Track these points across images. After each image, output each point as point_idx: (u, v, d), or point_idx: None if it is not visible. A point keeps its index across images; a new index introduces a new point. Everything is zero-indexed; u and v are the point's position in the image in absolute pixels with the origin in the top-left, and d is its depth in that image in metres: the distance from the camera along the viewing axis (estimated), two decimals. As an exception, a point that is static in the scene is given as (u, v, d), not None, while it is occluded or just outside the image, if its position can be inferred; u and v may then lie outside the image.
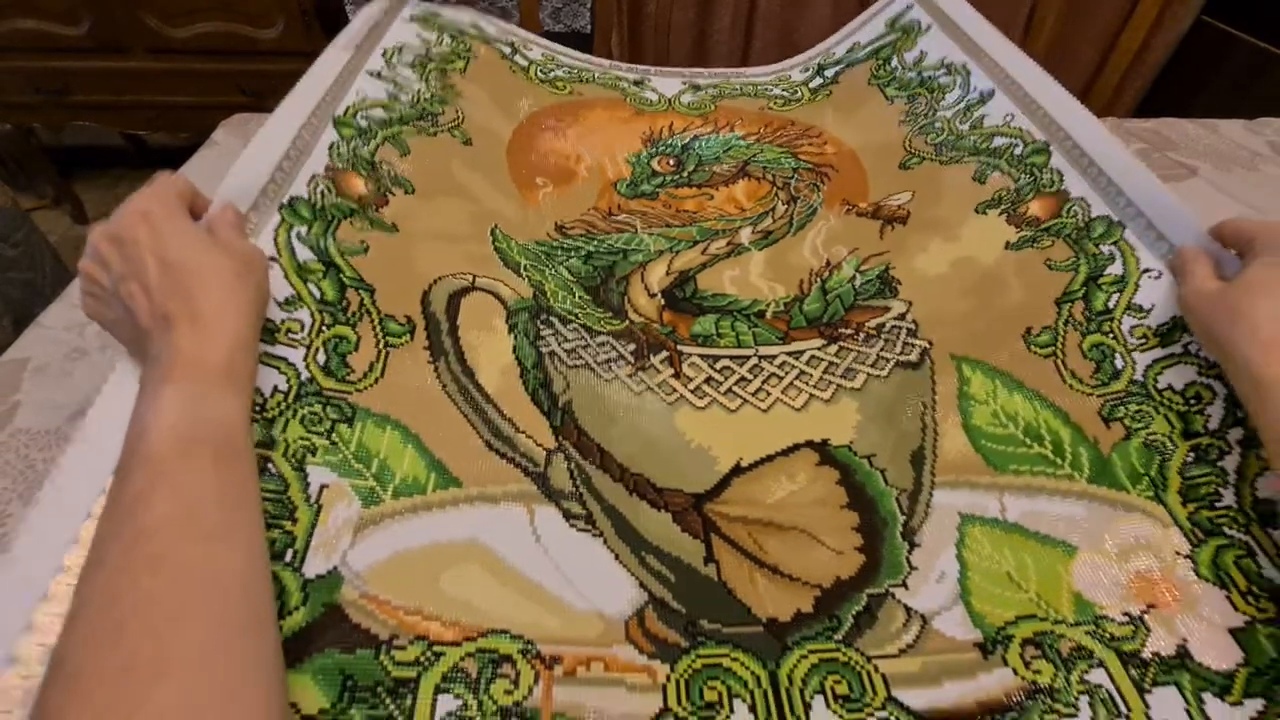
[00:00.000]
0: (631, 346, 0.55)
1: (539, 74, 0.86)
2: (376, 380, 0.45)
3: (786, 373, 0.54)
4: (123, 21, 1.59)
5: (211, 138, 0.86)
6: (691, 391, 0.52)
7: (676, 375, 0.53)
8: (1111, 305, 0.50)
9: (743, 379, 0.53)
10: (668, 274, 0.63)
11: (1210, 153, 0.91)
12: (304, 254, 0.48)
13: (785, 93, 0.90)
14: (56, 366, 0.55)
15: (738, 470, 0.47)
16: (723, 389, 0.53)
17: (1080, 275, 0.53)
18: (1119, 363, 0.48)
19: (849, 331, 0.57)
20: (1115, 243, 0.53)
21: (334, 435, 0.42)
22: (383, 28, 0.76)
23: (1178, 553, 0.41)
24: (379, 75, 0.67)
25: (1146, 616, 0.38)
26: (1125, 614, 0.38)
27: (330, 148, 0.56)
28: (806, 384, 0.53)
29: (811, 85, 0.90)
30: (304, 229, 0.49)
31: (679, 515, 0.44)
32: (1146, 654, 0.37)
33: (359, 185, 0.55)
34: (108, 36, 1.61)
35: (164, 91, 1.71)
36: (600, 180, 0.74)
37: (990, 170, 0.65)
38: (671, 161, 0.78)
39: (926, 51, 0.82)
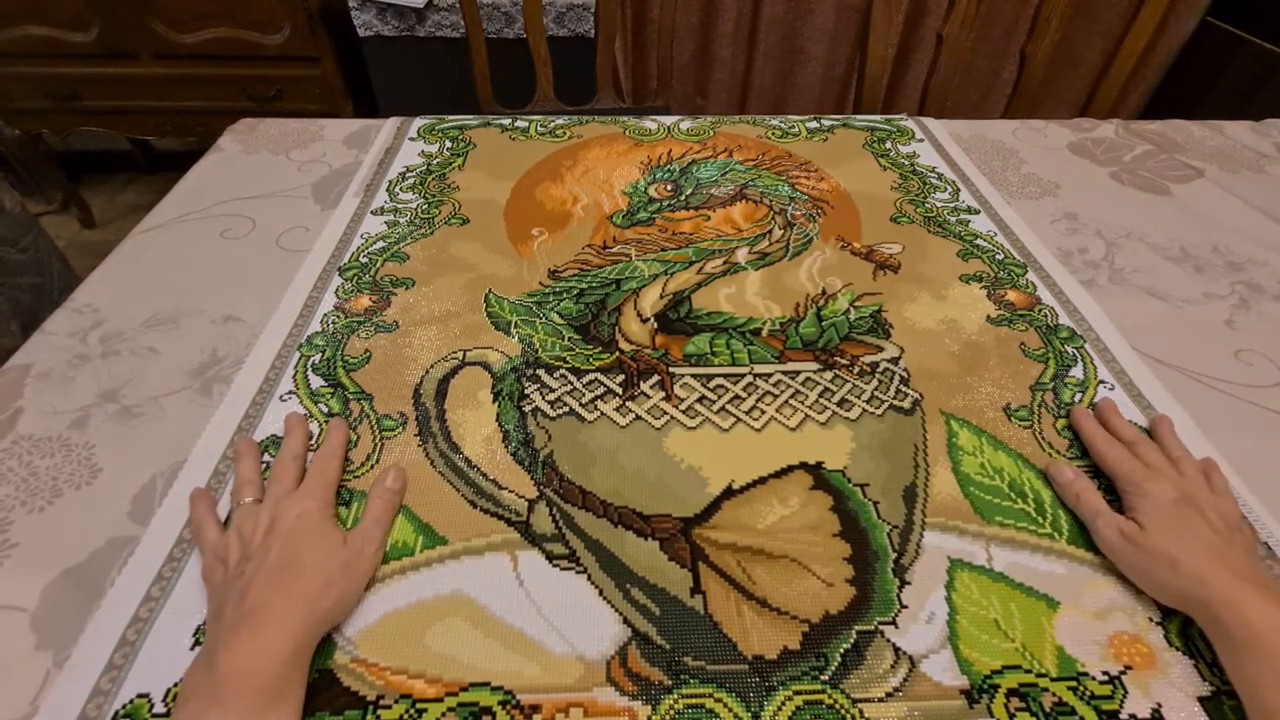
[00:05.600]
0: (620, 378, 0.56)
1: (538, 130, 0.92)
2: (371, 467, 0.49)
3: (782, 391, 0.55)
4: (130, 28, 1.60)
5: (218, 143, 0.87)
6: (683, 412, 0.53)
7: (667, 398, 0.54)
8: (1077, 400, 0.56)
9: (736, 397, 0.54)
10: (662, 296, 0.64)
11: (1217, 154, 0.91)
12: (316, 382, 0.55)
13: (783, 125, 0.93)
14: (59, 373, 0.55)
15: (729, 493, 0.47)
16: (715, 407, 0.53)
17: (1050, 369, 0.58)
18: None
19: (844, 362, 0.57)
20: (1079, 349, 0.60)
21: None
22: (390, 158, 0.85)
23: (1150, 619, 0.41)
24: (382, 210, 0.76)
25: (1124, 678, 0.39)
26: (1105, 673, 0.39)
27: (336, 290, 0.64)
28: (802, 404, 0.54)
29: (809, 126, 0.94)
30: (317, 357, 0.57)
31: (667, 542, 0.44)
32: (1124, 715, 0.37)
33: (364, 302, 0.64)
34: (115, 42, 1.62)
35: (171, 97, 1.73)
36: (596, 217, 0.75)
37: (972, 256, 0.71)
38: (669, 186, 0.80)
39: (919, 154, 0.89)
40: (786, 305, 0.63)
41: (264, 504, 0.43)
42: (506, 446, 0.50)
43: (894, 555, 0.44)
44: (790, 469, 0.49)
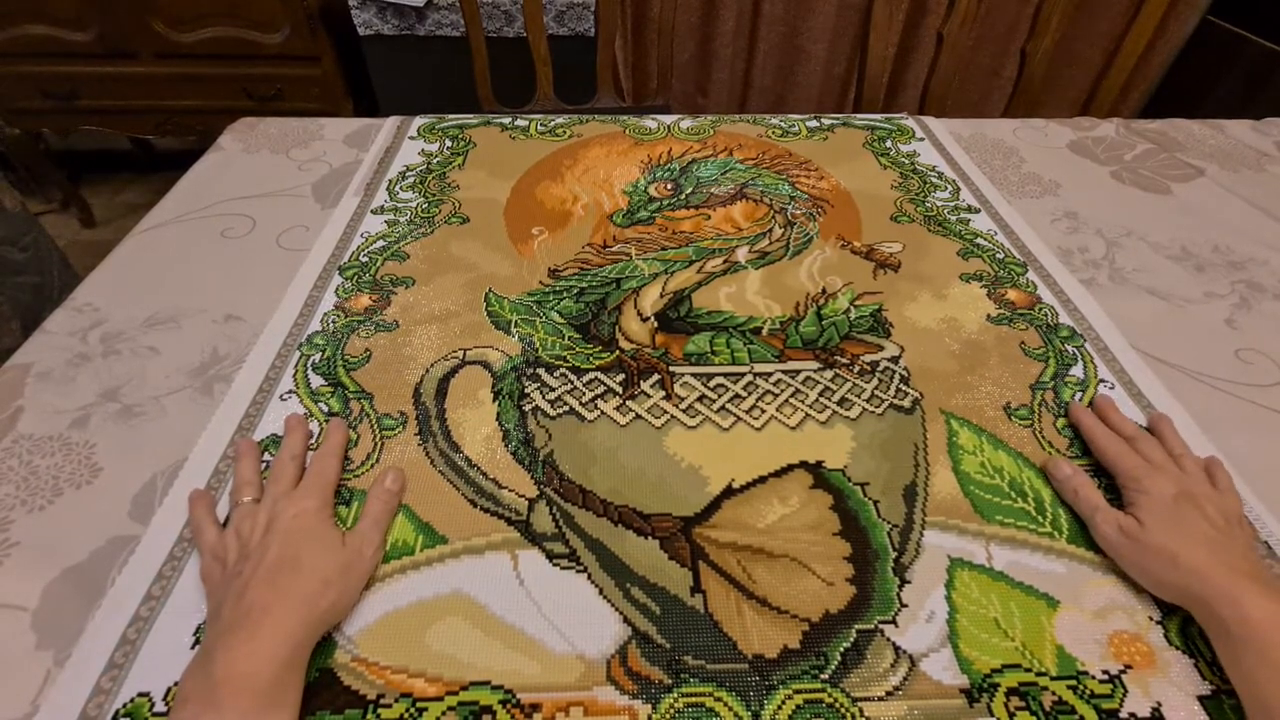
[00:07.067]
0: (620, 377, 0.56)
1: (539, 129, 0.92)
2: (372, 466, 0.49)
3: (782, 390, 0.55)
4: (130, 27, 1.60)
5: (217, 142, 0.87)
6: (683, 411, 0.53)
7: (668, 397, 0.54)
8: (1077, 399, 0.56)
9: (737, 396, 0.54)
10: (662, 295, 0.64)
11: (1217, 153, 0.91)
12: (316, 381, 0.55)
13: (783, 124, 0.94)
14: (60, 372, 0.55)
15: (729, 492, 0.47)
16: (715, 406, 0.53)
17: (1050, 368, 0.58)
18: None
19: (844, 361, 0.57)
20: (1079, 348, 0.60)
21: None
22: (390, 157, 0.85)
23: (1150, 618, 0.41)
24: (382, 209, 0.76)
25: (1124, 676, 0.39)
26: (1105, 672, 0.39)
27: (336, 290, 0.64)
28: (802, 403, 0.54)
29: (809, 125, 0.94)
30: (317, 356, 0.57)
31: (667, 541, 0.44)
32: (1124, 714, 0.37)
33: (364, 300, 0.64)
34: (115, 42, 1.62)
35: (171, 96, 1.73)
36: (596, 216, 0.75)
37: (973, 255, 0.71)
38: (669, 185, 0.80)
39: (919, 153, 0.89)
40: (787, 304, 0.63)
41: (262, 504, 0.43)
42: (506, 446, 0.50)
43: (894, 554, 0.44)
44: (790, 468, 0.49)
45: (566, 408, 0.53)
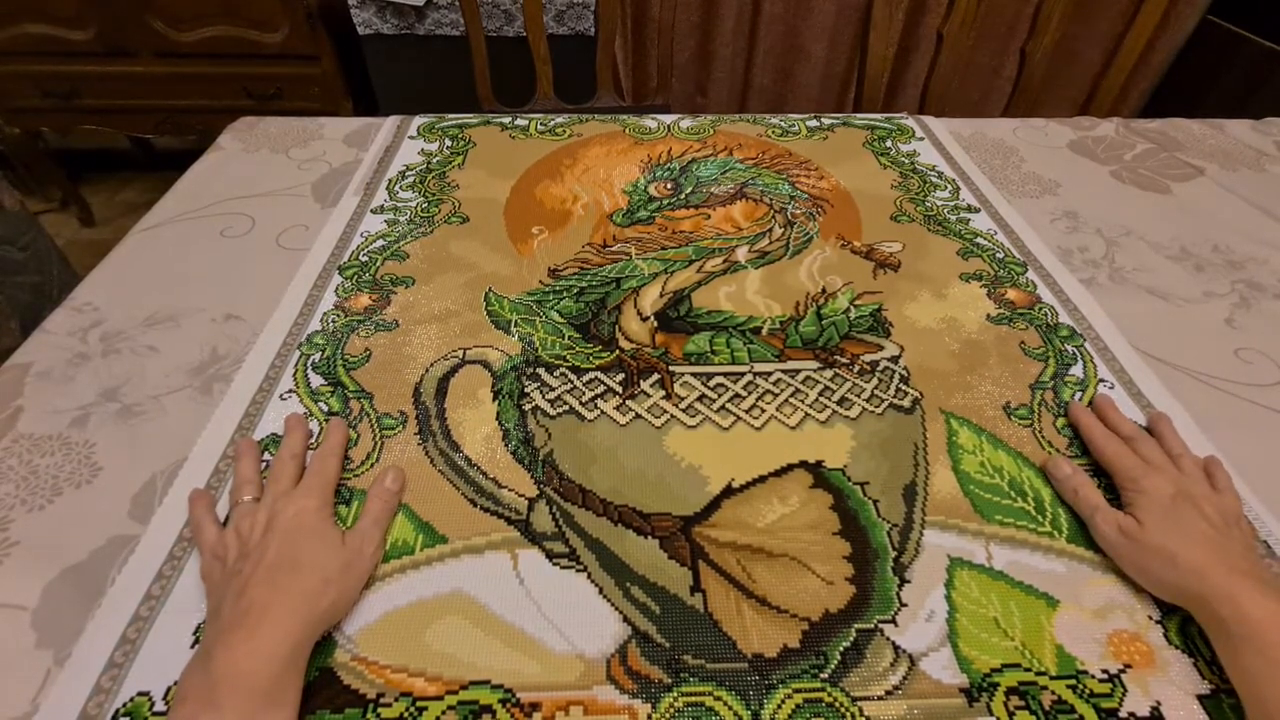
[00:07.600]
0: (620, 376, 0.56)
1: (539, 128, 0.92)
2: (372, 465, 0.49)
3: (782, 390, 0.55)
4: (129, 26, 1.60)
5: (217, 141, 0.87)
6: (683, 411, 0.53)
7: (668, 396, 0.54)
8: (1077, 399, 0.56)
9: (736, 396, 0.54)
10: (662, 295, 0.64)
11: (1217, 152, 0.91)
12: (316, 381, 0.55)
13: (783, 123, 0.94)
14: (59, 372, 0.55)
15: (729, 491, 0.47)
16: (715, 406, 0.53)
17: (1050, 368, 0.58)
18: None
19: (844, 360, 0.57)
20: (1078, 347, 0.60)
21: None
22: (390, 156, 0.85)
23: (1150, 617, 0.41)
24: (381, 209, 0.76)
25: (1123, 676, 0.39)
26: (1104, 671, 0.39)
27: (336, 289, 0.64)
28: (802, 403, 0.54)
29: (809, 124, 0.94)
30: (317, 356, 0.57)
31: (667, 541, 0.44)
32: (1123, 713, 0.37)
33: (364, 300, 0.64)
34: (115, 41, 1.62)
35: (170, 95, 1.72)
36: (596, 215, 0.75)
37: (972, 254, 0.71)
38: (669, 185, 0.80)
39: (919, 152, 0.89)
40: (786, 304, 0.63)
41: (262, 503, 0.43)
42: (506, 445, 0.50)
43: (894, 553, 0.44)
44: (790, 467, 0.49)
45: (566, 407, 0.53)
